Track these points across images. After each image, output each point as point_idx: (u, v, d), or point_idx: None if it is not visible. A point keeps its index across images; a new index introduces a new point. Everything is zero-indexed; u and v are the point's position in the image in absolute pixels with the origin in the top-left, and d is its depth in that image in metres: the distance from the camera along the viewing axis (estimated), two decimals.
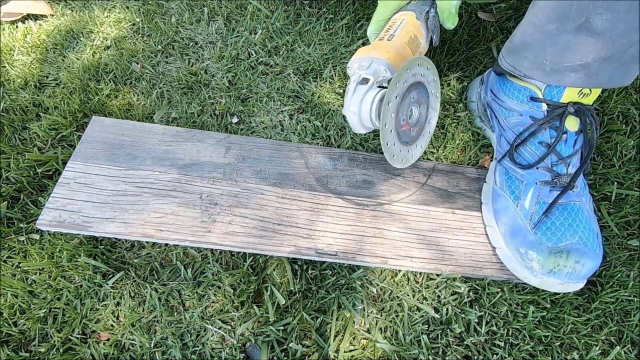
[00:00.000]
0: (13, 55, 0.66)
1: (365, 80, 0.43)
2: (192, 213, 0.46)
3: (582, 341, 0.44)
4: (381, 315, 0.45)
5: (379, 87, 0.43)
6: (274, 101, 0.60)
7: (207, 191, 0.48)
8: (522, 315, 0.45)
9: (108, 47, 0.67)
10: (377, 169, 0.53)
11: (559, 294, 0.46)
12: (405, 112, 0.42)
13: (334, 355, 0.43)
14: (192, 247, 0.46)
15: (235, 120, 0.58)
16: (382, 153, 0.55)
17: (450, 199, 0.51)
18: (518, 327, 0.44)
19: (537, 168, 0.47)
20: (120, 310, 0.44)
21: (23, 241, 0.48)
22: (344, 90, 0.61)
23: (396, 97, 0.39)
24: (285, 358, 0.43)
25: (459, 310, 0.45)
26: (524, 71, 0.46)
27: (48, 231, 0.47)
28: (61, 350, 0.42)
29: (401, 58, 0.45)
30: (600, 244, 0.45)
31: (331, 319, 0.44)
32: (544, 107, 0.47)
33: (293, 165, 0.52)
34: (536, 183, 0.46)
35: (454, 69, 0.64)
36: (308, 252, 0.45)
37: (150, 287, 0.45)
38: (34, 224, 0.49)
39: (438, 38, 0.51)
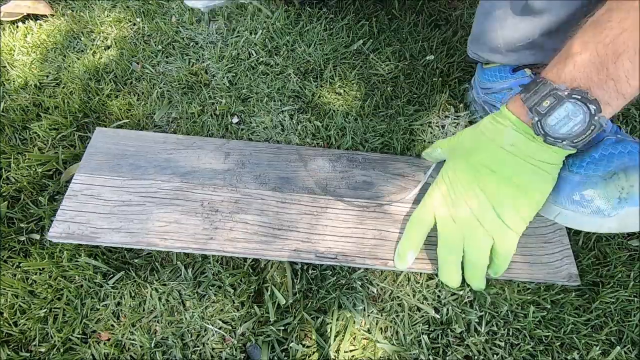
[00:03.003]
0: (13, 55, 0.66)
1: None
2: (194, 221, 0.47)
3: (583, 341, 0.44)
4: (381, 315, 0.45)
5: None
6: (274, 101, 0.60)
7: (208, 198, 0.48)
8: (522, 315, 0.45)
9: (108, 47, 0.67)
10: (377, 169, 0.53)
11: (559, 294, 0.46)
12: None
13: (335, 355, 0.43)
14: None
15: (235, 120, 0.58)
16: (381, 153, 0.55)
17: None
18: (518, 327, 0.44)
19: None
20: (121, 310, 0.44)
21: (23, 241, 0.48)
22: (344, 91, 0.61)
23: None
24: (286, 358, 0.43)
25: (460, 310, 0.45)
26: (486, 56, 0.50)
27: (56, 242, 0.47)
28: (61, 350, 0.42)
29: None
30: None
31: (331, 319, 0.44)
32: (528, 72, 0.48)
33: (292, 168, 0.52)
34: None
35: (454, 68, 0.64)
36: (308, 255, 0.45)
37: (151, 287, 0.45)
38: (34, 224, 0.49)
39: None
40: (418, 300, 0.45)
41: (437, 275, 0.46)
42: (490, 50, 0.49)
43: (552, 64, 0.37)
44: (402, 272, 0.47)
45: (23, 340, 0.43)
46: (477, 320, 0.44)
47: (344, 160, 0.53)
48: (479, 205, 0.41)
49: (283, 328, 0.43)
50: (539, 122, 0.36)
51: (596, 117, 0.34)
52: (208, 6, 0.42)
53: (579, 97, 0.34)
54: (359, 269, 0.47)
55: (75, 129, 0.57)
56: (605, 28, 0.32)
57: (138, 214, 0.47)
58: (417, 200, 0.51)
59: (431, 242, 0.47)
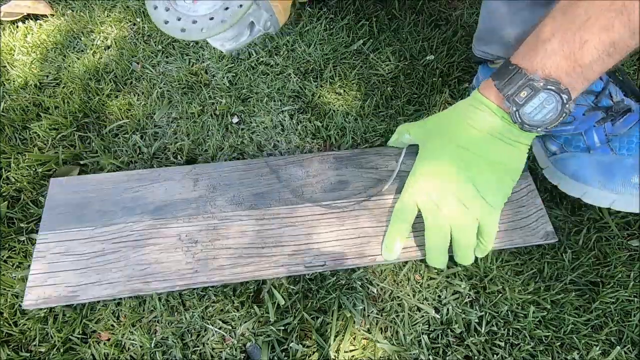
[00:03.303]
0: (13, 55, 0.66)
1: None
2: (175, 256, 0.45)
3: (583, 341, 0.44)
4: (381, 315, 0.45)
5: None
6: (274, 101, 0.60)
7: (185, 230, 0.46)
8: (522, 315, 0.45)
9: (108, 47, 0.67)
10: (349, 167, 0.52)
11: (559, 294, 0.46)
12: None
13: (335, 355, 0.43)
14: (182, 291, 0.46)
15: (235, 120, 0.58)
16: (355, 149, 0.56)
17: None
18: (518, 327, 0.44)
19: (583, 114, 0.45)
20: (121, 310, 0.44)
21: (23, 241, 0.48)
22: (344, 91, 0.61)
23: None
24: (286, 358, 0.43)
25: (460, 310, 0.45)
26: (495, 53, 0.49)
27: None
28: (61, 350, 0.42)
29: None
30: None
31: (331, 319, 0.44)
32: None
33: (265, 182, 0.50)
34: (594, 125, 0.43)
35: (454, 68, 0.64)
36: (297, 268, 0.45)
37: None
38: (34, 224, 0.49)
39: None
40: (418, 300, 0.45)
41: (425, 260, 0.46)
42: (501, 47, 0.48)
43: (524, 50, 0.38)
44: (391, 262, 0.46)
45: (23, 340, 0.43)
46: (477, 320, 0.44)
47: (315, 164, 0.52)
48: (462, 187, 0.41)
49: (283, 328, 0.43)
50: (516, 112, 0.38)
51: (567, 105, 0.36)
52: (230, 50, 0.43)
53: (553, 88, 0.36)
54: (359, 269, 0.47)
55: (75, 129, 0.57)
56: (573, 15, 0.34)
57: (115, 262, 0.44)
58: (396, 190, 0.50)
59: (416, 228, 0.46)
